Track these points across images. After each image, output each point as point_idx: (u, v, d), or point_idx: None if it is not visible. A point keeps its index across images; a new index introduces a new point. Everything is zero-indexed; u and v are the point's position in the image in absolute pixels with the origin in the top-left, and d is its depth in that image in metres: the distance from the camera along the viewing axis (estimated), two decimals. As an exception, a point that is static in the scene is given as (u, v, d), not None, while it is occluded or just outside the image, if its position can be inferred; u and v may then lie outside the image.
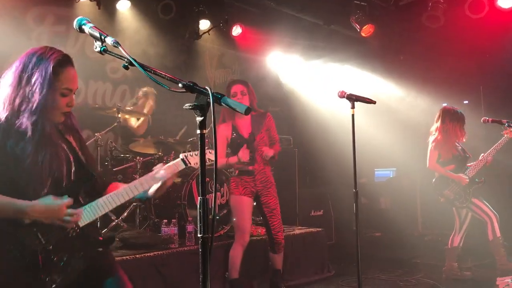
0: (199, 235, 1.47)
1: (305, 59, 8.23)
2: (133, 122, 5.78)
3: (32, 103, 2.00)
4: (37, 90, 2.00)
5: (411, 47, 7.34)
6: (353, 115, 3.66)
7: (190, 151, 2.56)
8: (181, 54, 7.17)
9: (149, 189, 2.29)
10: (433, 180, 5.32)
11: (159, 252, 4.16)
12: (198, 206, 1.47)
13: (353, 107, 3.64)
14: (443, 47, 7.03)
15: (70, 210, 2.00)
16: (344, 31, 7.19)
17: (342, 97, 3.70)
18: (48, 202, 1.96)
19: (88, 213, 2.09)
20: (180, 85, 1.55)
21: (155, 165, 5.32)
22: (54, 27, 6.06)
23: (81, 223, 2.06)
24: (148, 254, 4.07)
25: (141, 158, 5.14)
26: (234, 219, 4.27)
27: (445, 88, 7.15)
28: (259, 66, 7.92)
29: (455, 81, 7.11)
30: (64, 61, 2.12)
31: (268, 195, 4.24)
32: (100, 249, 2.14)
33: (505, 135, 5.13)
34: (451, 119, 5.23)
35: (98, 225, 4.63)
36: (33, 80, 2.01)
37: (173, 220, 4.53)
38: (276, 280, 4.44)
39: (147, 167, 5.19)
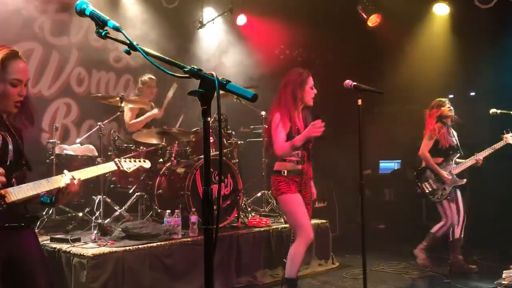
0: (202, 226, 1.43)
1: (309, 49, 8.14)
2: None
3: None
4: None
5: (417, 37, 7.26)
6: (359, 106, 3.61)
7: (126, 159, 2.90)
8: (184, 43, 7.11)
9: (55, 191, 2.33)
10: (419, 169, 5.38)
11: (162, 243, 4.12)
12: (202, 196, 1.43)
13: (359, 97, 3.58)
14: (449, 36, 6.96)
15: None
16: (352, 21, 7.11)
17: (348, 87, 3.65)
18: None
19: (16, 193, 2.18)
20: (184, 70, 1.49)
21: (159, 155, 5.31)
22: (57, 16, 6.01)
23: (8, 200, 2.14)
24: (151, 245, 4.04)
25: (145, 148, 5.11)
26: (292, 219, 3.87)
27: (452, 79, 7.07)
28: (264, 56, 7.83)
29: (462, 72, 7.02)
30: (11, 55, 2.28)
31: (306, 189, 3.97)
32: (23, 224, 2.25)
33: (504, 139, 5.09)
34: (449, 109, 5.32)
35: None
36: None
37: (176, 211, 4.49)
38: None
39: (151, 157, 5.15)
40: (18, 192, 2.19)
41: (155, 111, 5.75)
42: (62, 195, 2.32)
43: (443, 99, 5.40)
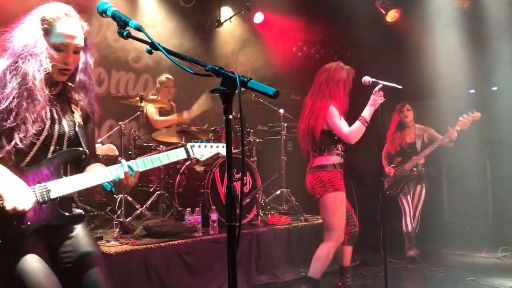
0: (225, 223, 1.43)
1: (327, 46, 8.10)
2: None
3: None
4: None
5: (437, 32, 7.15)
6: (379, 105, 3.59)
7: (200, 144, 2.47)
8: (202, 42, 7.13)
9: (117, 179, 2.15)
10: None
11: (183, 241, 4.15)
12: (225, 193, 1.43)
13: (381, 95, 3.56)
14: (470, 29, 6.84)
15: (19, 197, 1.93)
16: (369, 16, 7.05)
17: (366, 84, 3.63)
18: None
19: (60, 188, 2.04)
20: (206, 69, 1.50)
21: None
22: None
23: (52, 195, 2.02)
24: (172, 243, 4.07)
25: (164, 147, 5.15)
26: (334, 219, 3.74)
27: (473, 74, 6.95)
28: (281, 54, 7.82)
29: (484, 67, 6.90)
30: (58, 13, 2.11)
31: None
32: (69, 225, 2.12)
33: (456, 127, 5.38)
34: (405, 116, 5.80)
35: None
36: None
37: (196, 209, 4.52)
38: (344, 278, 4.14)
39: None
40: (62, 187, 2.04)
41: (185, 114, 5.76)
42: (119, 186, 2.16)
43: (404, 103, 5.83)
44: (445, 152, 7.12)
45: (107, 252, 3.68)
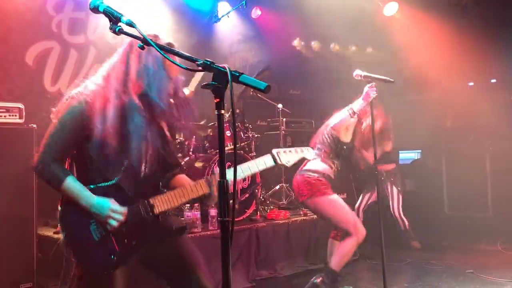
0: (219, 219, 1.43)
1: (326, 42, 8.08)
2: None
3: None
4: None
5: (437, 25, 7.12)
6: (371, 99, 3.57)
7: (283, 148, 2.45)
8: (200, 37, 7.11)
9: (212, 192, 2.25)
10: None
11: (182, 237, 4.15)
12: (218, 189, 1.43)
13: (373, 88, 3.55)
14: (470, 23, 6.82)
15: (117, 215, 2.07)
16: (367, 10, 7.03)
17: (358, 78, 3.62)
18: (100, 205, 2.06)
19: (163, 203, 2.15)
20: (197, 63, 1.49)
21: (177, 149, 5.34)
22: (74, 14, 6.05)
23: (156, 211, 2.12)
24: (171, 239, 4.07)
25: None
26: (334, 220, 3.83)
27: (472, 67, 6.94)
28: (279, 49, 7.80)
29: (482, 60, 6.88)
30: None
31: None
32: (174, 237, 2.28)
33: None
34: None
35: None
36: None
37: (195, 205, 4.51)
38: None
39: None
40: (164, 201, 2.15)
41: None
42: (209, 199, 2.26)
43: None
44: (445, 145, 7.14)
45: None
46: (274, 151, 2.40)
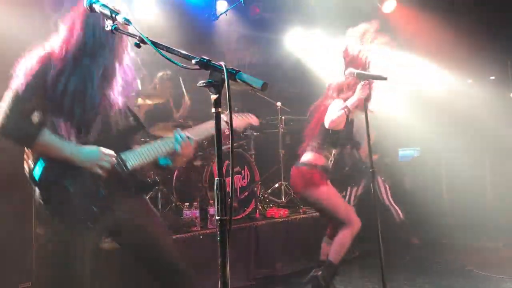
0: (217, 217, 1.42)
1: (324, 37, 8.05)
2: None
3: None
4: None
5: (435, 21, 7.11)
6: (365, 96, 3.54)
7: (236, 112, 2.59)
8: (199, 35, 7.08)
9: (172, 153, 2.30)
10: None
11: (182, 235, 4.15)
12: (215, 187, 1.43)
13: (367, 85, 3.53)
14: (468, 21, 6.80)
15: (108, 158, 2.11)
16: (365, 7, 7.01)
17: (351, 76, 3.58)
18: (89, 149, 2.09)
19: (134, 157, 2.20)
20: (193, 61, 1.48)
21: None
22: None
23: (129, 166, 2.16)
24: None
25: (162, 142, 5.13)
26: (327, 212, 3.79)
27: (471, 63, 6.92)
28: (278, 47, 7.78)
29: (481, 57, 6.87)
30: None
31: None
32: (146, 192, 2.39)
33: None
34: None
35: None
36: None
37: (194, 203, 4.51)
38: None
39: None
40: (135, 156, 2.19)
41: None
42: (176, 158, 2.30)
43: None
44: (444, 142, 7.13)
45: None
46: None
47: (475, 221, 6.07)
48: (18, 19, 5.41)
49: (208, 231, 4.36)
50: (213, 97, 1.44)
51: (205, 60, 1.48)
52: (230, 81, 1.44)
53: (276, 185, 5.89)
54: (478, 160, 6.54)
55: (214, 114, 1.46)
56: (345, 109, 3.53)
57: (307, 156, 3.78)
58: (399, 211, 5.76)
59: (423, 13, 6.95)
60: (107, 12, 1.72)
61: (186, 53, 1.52)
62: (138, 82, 2.42)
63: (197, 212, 4.45)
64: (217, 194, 1.42)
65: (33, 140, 2.00)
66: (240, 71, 1.43)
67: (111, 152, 2.12)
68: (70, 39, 2.18)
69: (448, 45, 6.96)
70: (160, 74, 5.90)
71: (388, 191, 5.83)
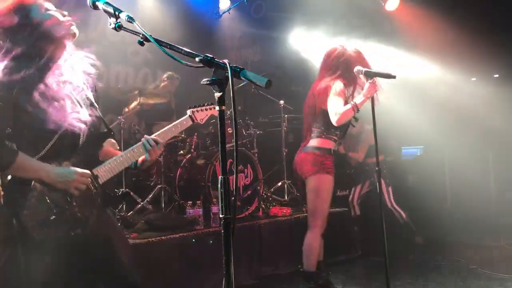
0: (220, 216, 1.42)
1: (327, 36, 8.03)
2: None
3: None
4: None
5: (438, 19, 7.08)
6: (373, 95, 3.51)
7: (196, 107, 2.64)
8: (202, 34, 7.09)
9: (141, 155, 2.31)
10: None
11: (185, 234, 4.15)
12: (219, 185, 1.42)
13: (374, 83, 3.49)
14: (472, 18, 6.77)
15: (84, 178, 2.07)
16: (368, 5, 6.99)
17: (359, 74, 3.53)
18: (66, 172, 2.03)
19: (106, 172, 2.18)
20: (197, 59, 1.48)
21: (179, 147, 5.32)
22: (74, 12, 6.03)
23: (100, 181, 2.14)
24: (174, 236, 4.07)
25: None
26: (318, 204, 3.65)
27: (475, 62, 6.90)
28: (280, 45, 7.77)
29: (485, 55, 6.84)
30: None
31: None
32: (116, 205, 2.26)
33: None
34: None
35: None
36: None
37: (197, 202, 4.51)
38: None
39: (171, 149, 5.20)
40: (107, 171, 2.17)
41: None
42: (145, 162, 2.32)
43: None
44: (447, 140, 7.11)
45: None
46: (190, 110, 2.62)
47: (479, 219, 6.05)
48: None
49: (211, 230, 4.36)
50: (217, 95, 1.44)
51: (208, 58, 1.47)
52: (234, 79, 1.43)
53: (279, 183, 5.88)
54: (482, 158, 6.52)
55: (218, 112, 1.44)
56: (354, 107, 3.48)
57: (317, 141, 3.68)
58: (402, 214, 5.74)
59: (426, 11, 6.92)
60: (111, 10, 1.71)
61: (189, 50, 1.51)
62: (89, 88, 2.28)
63: (200, 211, 4.45)
64: (221, 192, 1.41)
65: (10, 165, 1.92)
66: (244, 68, 1.42)
67: (87, 172, 2.09)
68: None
69: (452, 42, 6.93)
70: (166, 74, 5.92)
71: (391, 194, 5.81)
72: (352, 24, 7.36)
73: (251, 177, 5.09)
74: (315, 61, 8.18)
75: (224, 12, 7.01)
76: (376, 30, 7.41)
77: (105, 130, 2.29)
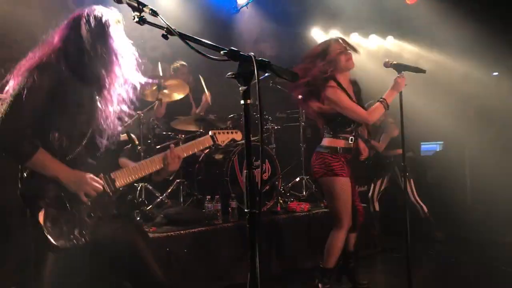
0: (246, 210, 1.41)
1: (346, 31, 7.97)
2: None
3: None
4: None
5: (459, 13, 6.96)
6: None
7: (219, 129, 2.72)
8: (220, 28, 7.07)
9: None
10: None
11: (204, 228, 4.17)
12: (244, 180, 1.41)
13: (401, 77, 3.46)
14: (494, 12, 6.64)
15: (95, 184, 2.10)
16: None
17: (388, 66, 3.51)
18: (79, 175, 2.07)
19: (123, 177, 2.20)
20: (222, 52, 1.47)
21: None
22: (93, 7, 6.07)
23: (117, 185, 2.17)
24: (193, 230, 4.08)
25: (183, 135, 5.15)
26: (337, 204, 3.59)
27: (497, 56, 6.77)
28: (298, 40, 7.73)
29: (507, 49, 6.70)
30: None
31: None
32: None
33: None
34: None
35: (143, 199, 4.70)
36: None
37: (216, 197, 4.52)
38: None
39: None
40: (125, 176, 2.20)
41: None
42: (162, 172, 2.34)
43: None
44: (468, 136, 7.00)
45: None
46: (212, 132, 2.69)
47: (501, 216, 5.95)
48: (44, 13, 5.49)
49: (229, 224, 4.37)
50: (242, 88, 1.43)
51: (234, 51, 1.46)
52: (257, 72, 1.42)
53: (297, 179, 5.86)
54: (504, 154, 6.40)
55: (243, 106, 1.44)
56: (384, 104, 3.46)
57: (325, 140, 3.67)
58: (424, 208, 5.69)
59: (447, 4, 6.80)
60: (135, 4, 1.71)
61: (214, 44, 1.51)
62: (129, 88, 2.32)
63: (218, 205, 4.45)
64: (246, 187, 1.40)
65: (28, 159, 1.97)
66: (269, 62, 1.41)
67: (99, 181, 2.12)
68: (66, 46, 2.15)
69: (473, 36, 6.80)
70: (175, 65, 5.89)
71: (414, 188, 5.76)
72: (372, 18, 7.28)
73: (269, 172, 5.07)
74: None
75: (242, 7, 6.98)
76: (396, 25, 7.32)
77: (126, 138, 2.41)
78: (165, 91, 5.29)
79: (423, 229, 5.60)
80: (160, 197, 4.88)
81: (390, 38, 8.41)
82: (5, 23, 5.04)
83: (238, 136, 2.85)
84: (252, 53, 1.42)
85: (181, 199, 5.06)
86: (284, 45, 7.60)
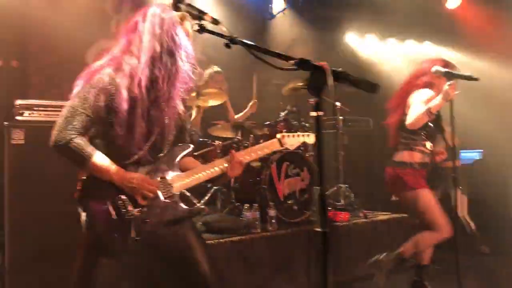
0: (317, 229, 1.34)
1: (383, 36, 7.84)
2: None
3: None
4: None
5: (501, 17, 6.74)
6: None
7: (288, 131, 2.59)
8: (254, 35, 7.04)
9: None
10: None
11: (243, 237, 4.11)
12: (316, 197, 1.34)
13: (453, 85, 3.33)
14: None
15: (152, 187, 2.07)
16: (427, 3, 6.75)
17: (438, 74, 3.38)
18: (134, 178, 2.05)
19: (180, 183, 2.17)
20: (291, 62, 1.40)
21: (234, 148, 5.29)
22: (131, 14, 6.12)
23: (174, 190, 2.14)
24: (232, 239, 4.03)
25: (221, 142, 5.10)
26: (421, 218, 3.61)
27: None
28: (334, 46, 7.63)
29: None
30: None
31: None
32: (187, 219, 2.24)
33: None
34: None
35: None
36: None
37: (254, 205, 4.45)
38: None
39: (226, 151, 5.15)
40: (183, 180, 2.18)
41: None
42: (222, 178, 2.34)
43: None
44: (510, 144, 6.75)
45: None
46: (280, 135, 2.54)
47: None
48: (82, 18, 5.56)
49: (268, 233, 4.29)
50: (314, 100, 1.36)
51: (305, 60, 1.40)
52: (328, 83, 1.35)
53: (335, 187, 5.75)
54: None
55: (314, 118, 1.37)
56: (428, 112, 3.35)
57: (399, 155, 3.61)
58: (472, 225, 5.47)
59: (490, 8, 6.60)
60: (195, 12, 1.67)
61: (282, 53, 1.44)
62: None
63: (257, 214, 4.39)
64: (319, 204, 1.33)
65: (87, 163, 1.97)
66: (345, 71, 1.34)
67: (155, 184, 2.10)
68: (138, 46, 2.24)
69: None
70: (209, 70, 5.82)
71: (465, 204, 5.51)
72: (410, 23, 7.12)
73: (308, 181, 4.98)
74: (371, 61, 8.03)
75: (278, 13, 6.93)
76: (435, 30, 7.14)
77: (187, 140, 2.34)
78: (203, 97, 5.26)
79: (468, 243, 5.41)
80: (197, 204, 4.84)
81: (427, 43, 8.22)
82: (44, 29, 5.13)
83: (310, 139, 2.70)
84: (326, 63, 1.35)
85: (218, 207, 5.01)
86: (319, 50, 7.51)
